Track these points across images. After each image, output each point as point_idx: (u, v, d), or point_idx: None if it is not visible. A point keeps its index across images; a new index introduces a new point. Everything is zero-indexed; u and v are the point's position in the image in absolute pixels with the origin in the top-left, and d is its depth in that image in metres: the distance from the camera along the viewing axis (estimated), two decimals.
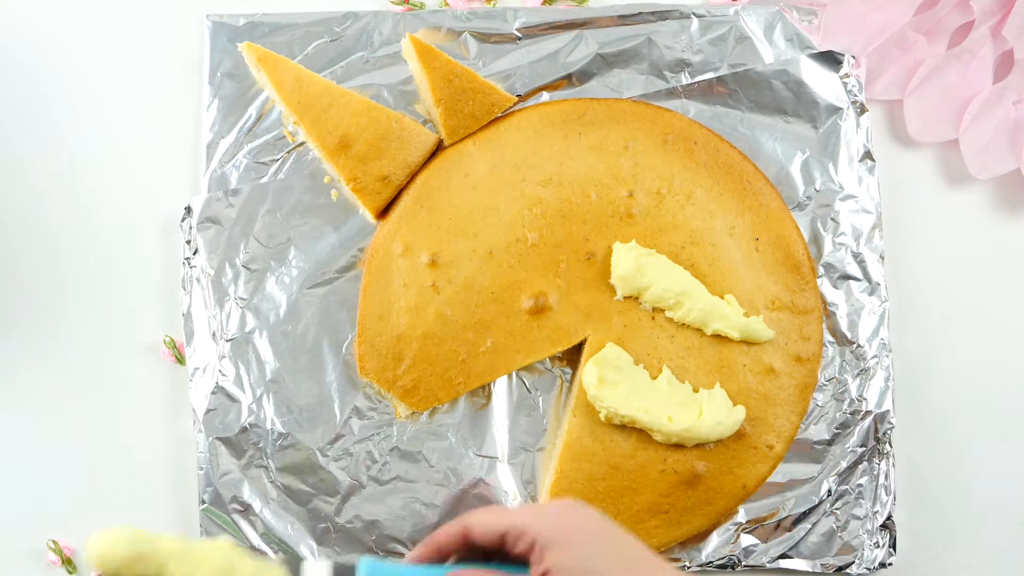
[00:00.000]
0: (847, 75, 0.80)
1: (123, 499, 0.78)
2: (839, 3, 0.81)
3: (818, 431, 0.77)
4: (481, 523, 0.54)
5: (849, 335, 0.77)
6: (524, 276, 0.76)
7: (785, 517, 0.76)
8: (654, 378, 0.74)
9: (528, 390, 0.77)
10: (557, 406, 0.77)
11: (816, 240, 0.79)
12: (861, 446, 0.77)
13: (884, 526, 0.76)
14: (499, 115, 0.79)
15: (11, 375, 0.79)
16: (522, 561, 0.53)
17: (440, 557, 0.56)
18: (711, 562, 0.76)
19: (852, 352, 0.77)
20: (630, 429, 0.74)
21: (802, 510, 0.76)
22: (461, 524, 0.55)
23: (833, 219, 0.79)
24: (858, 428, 0.77)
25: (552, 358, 0.77)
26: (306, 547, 0.75)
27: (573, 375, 0.77)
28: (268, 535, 0.75)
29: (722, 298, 0.75)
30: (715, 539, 0.76)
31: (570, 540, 0.51)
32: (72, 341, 0.79)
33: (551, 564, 0.51)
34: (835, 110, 0.80)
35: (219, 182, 0.79)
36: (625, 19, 0.81)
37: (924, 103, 0.82)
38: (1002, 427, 0.80)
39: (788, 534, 0.76)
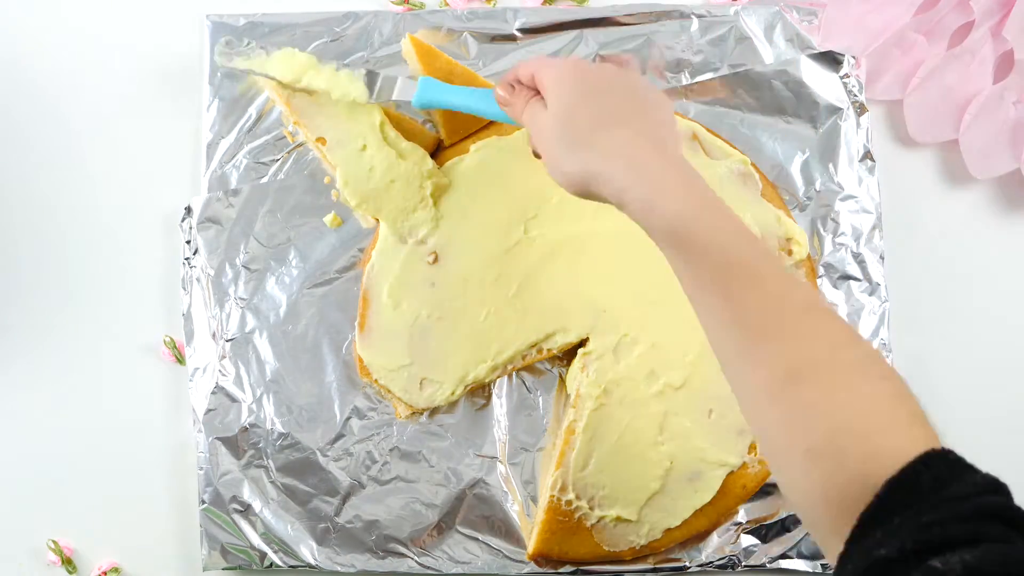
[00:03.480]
0: (847, 75, 0.80)
1: (123, 499, 0.78)
2: (839, 3, 0.81)
3: None
4: (524, 69, 0.63)
5: None
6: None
7: (785, 517, 0.76)
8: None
9: (528, 390, 0.77)
10: (557, 406, 0.77)
11: (816, 240, 0.79)
12: None
13: None
14: None
15: (11, 375, 0.79)
16: None
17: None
18: (711, 562, 0.76)
19: None
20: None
21: None
22: (514, 68, 0.65)
23: (833, 219, 0.79)
24: None
25: (552, 358, 0.77)
26: (306, 547, 0.75)
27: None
28: (268, 535, 0.75)
29: None
30: (715, 539, 0.76)
31: (565, 84, 0.59)
32: (72, 341, 0.79)
33: (548, 100, 0.59)
34: (835, 110, 0.80)
35: (219, 182, 0.79)
36: (625, 19, 0.81)
37: (924, 103, 0.82)
38: (1002, 426, 0.80)
39: (788, 534, 0.76)
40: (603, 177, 0.56)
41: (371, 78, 0.74)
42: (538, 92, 0.62)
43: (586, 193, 0.58)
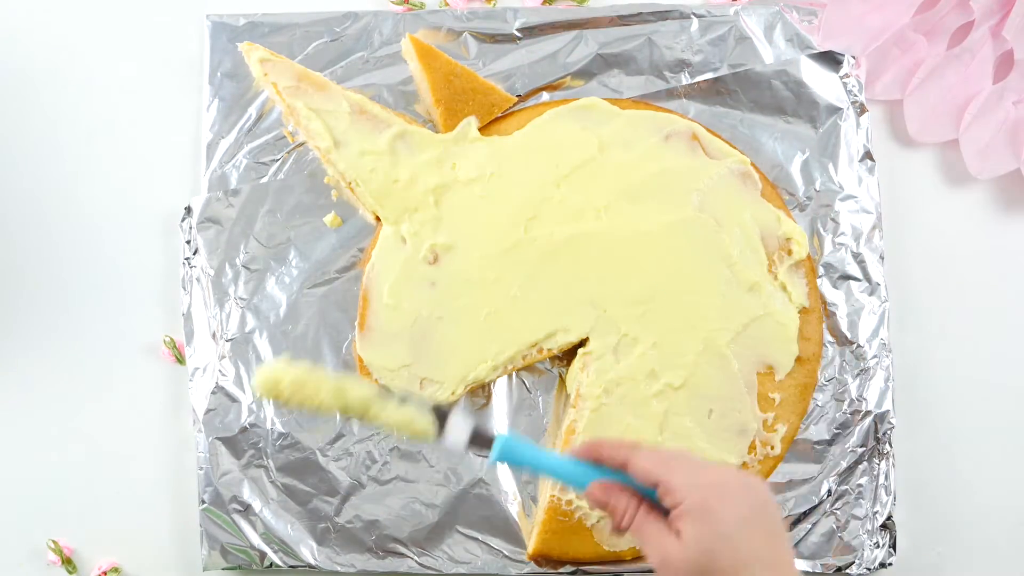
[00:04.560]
0: (847, 75, 0.80)
1: (123, 499, 0.78)
2: (839, 3, 0.81)
3: (818, 431, 0.77)
4: (642, 469, 0.57)
5: (849, 335, 0.77)
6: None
7: (785, 517, 0.76)
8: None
9: (528, 390, 0.77)
10: (557, 406, 0.77)
11: (816, 240, 0.79)
12: (861, 446, 0.77)
13: (884, 526, 0.76)
14: (499, 115, 0.79)
15: (11, 375, 0.79)
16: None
17: (587, 459, 0.60)
18: None
19: (852, 352, 0.77)
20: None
21: (802, 510, 0.76)
22: (625, 455, 0.58)
23: (833, 219, 0.79)
24: (858, 428, 0.77)
25: (552, 358, 0.77)
26: (306, 547, 0.75)
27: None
28: (268, 535, 0.75)
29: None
30: None
31: (705, 521, 0.54)
32: (72, 341, 0.79)
33: (683, 531, 0.54)
34: (835, 110, 0.80)
35: (219, 182, 0.79)
36: (625, 19, 0.81)
37: (924, 103, 0.82)
38: (1002, 427, 0.80)
39: (788, 534, 0.76)
40: None
41: (439, 417, 0.63)
42: (640, 498, 0.57)
43: None
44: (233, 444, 0.76)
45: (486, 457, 0.70)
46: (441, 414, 0.62)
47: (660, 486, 0.56)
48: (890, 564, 0.76)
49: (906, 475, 0.78)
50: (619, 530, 0.58)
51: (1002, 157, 0.82)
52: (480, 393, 0.77)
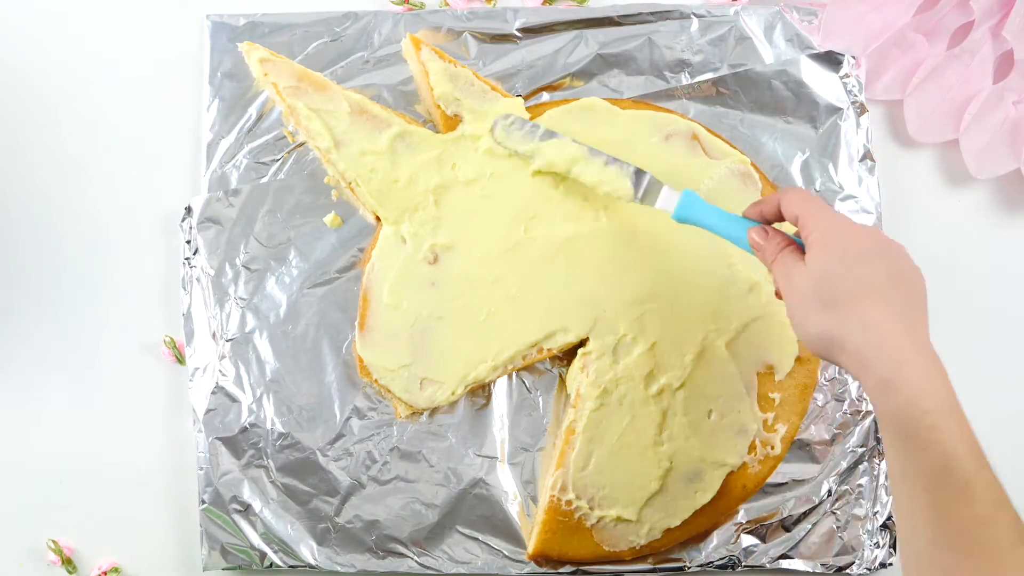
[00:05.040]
0: (847, 75, 0.80)
1: (123, 499, 0.78)
2: (839, 3, 0.81)
3: (818, 431, 0.77)
4: (787, 204, 0.62)
5: None
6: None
7: (785, 517, 0.76)
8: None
9: (528, 390, 0.77)
10: (557, 406, 0.77)
11: None
12: (861, 446, 0.77)
13: (884, 526, 0.76)
14: None
15: (11, 375, 0.79)
16: None
17: (754, 218, 0.66)
18: (711, 562, 0.76)
19: None
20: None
21: (802, 510, 0.76)
22: (777, 200, 0.63)
23: None
24: (858, 428, 0.77)
25: (552, 358, 0.77)
26: (306, 547, 0.75)
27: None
28: (268, 535, 0.75)
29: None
30: (715, 539, 0.76)
31: (828, 247, 0.58)
32: (72, 341, 0.79)
33: (809, 257, 0.59)
34: (835, 110, 0.80)
35: (219, 182, 0.79)
36: (625, 19, 0.81)
37: (924, 103, 0.82)
38: (1002, 427, 0.80)
39: (788, 534, 0.76)
40: (848, 347, 0.55)
41: (638, 178, 0.72)
42: (790, 241, 0.62)
43: (825, 354, 0.58)
44: (233, 444, 0.76)
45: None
46: (640, 175, 0.72)
47: (799, 219, 0.60)
48: (890, 564, 0.76)
49: None
50: (768, 266, 0.62)
51: (1002, 157, 0.82)
52: (480, 393, 0.77)
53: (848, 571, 0.76)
